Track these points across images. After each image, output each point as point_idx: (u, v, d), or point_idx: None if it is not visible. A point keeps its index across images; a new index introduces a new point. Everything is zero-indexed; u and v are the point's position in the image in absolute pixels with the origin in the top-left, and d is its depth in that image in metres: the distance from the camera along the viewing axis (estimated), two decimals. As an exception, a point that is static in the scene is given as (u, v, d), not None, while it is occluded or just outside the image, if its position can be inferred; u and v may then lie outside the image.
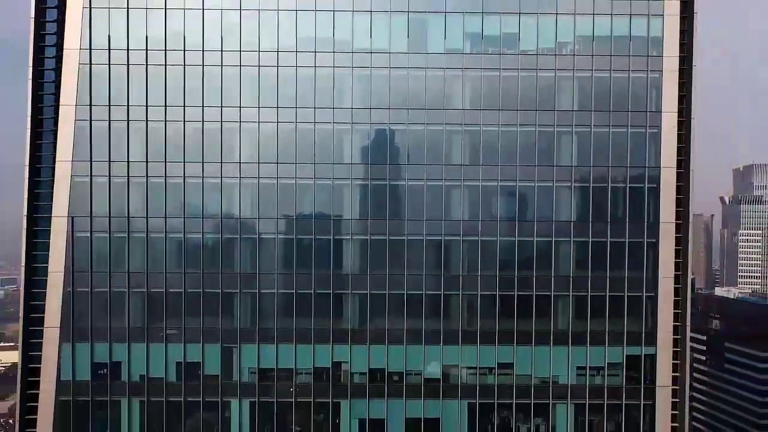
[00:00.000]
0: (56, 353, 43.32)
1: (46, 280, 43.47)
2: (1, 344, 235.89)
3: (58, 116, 43.55)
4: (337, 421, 44.14)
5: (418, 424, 44.02)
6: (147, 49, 43.39)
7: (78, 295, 43.33)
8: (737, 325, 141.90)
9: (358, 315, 44.21)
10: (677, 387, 44.47)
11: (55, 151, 43.68)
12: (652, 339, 44.37)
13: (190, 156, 43.61)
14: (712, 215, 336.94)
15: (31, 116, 43.67)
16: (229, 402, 43.92)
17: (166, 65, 43.43)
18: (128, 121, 43.43)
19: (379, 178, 44.09)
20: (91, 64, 43.36)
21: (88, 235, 43.39)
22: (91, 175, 43.37)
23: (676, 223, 44.43)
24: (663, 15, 44.09)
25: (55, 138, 43.75)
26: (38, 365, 43.54)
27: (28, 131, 43.63)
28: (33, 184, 43.88)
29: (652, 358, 44.38)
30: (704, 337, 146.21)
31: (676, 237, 44.45)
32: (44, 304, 43.45)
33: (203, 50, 43.61)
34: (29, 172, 43.62)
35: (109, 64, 43.35)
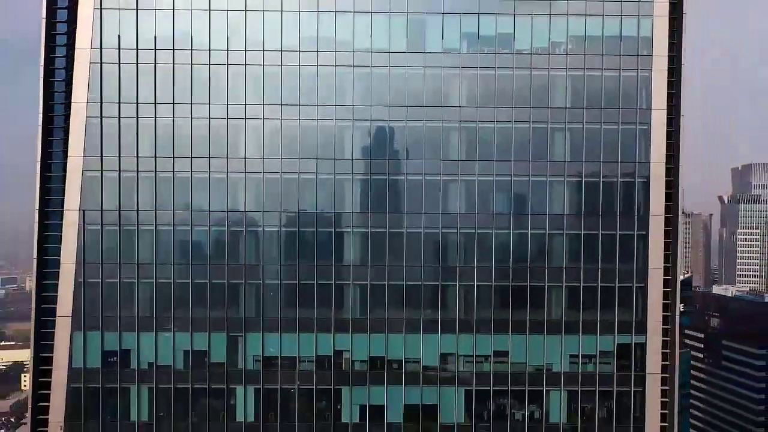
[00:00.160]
0: (68, 342, 44.71)
1: (56, 272, 44.85)
2: (2, 343, 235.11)
3: (68, 114, 44.95)
4: (339, 407, 45.49)
5: (417, 410, 45.39)
6: (155, 49, 44.78)
7: (89, 285, 44.71)
8: (735, 323, 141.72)
9: (358, 305, 45.54)
10: (667, 375, 45.80)
11: (65, 148, 45.09)
12: (642, 328, 45.73)
13: (197, 152, 44.96)
14: (711, 214, 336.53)
15: (43, 114, 45.12)
16: (235, 389, 45.28)
17: (173, 64, 44.83)
18: (137, 118, 44.83)
19: (379, 173, 45.47)
20: (101, 63, 44.76)
21: (99, 227, 44.82)
22: (101, 170, 44.79)
23: (665, 216, 45.76)
24: (652, 16, 45.45)
25: (65, 135, 45.18)
26: (50, 354, 44.91)
27: (40, 128, 45.10)
28: (44, 180, 45.37)
29: (642, 347, 45.75)
30: (702, 335, 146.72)
31: (665, 230, 45.80)
32: (55, 295, 44.81)
33: (209, 49, 44.95)
34: (40, 168, 45.08)
35: (119, 63, 44.75)
